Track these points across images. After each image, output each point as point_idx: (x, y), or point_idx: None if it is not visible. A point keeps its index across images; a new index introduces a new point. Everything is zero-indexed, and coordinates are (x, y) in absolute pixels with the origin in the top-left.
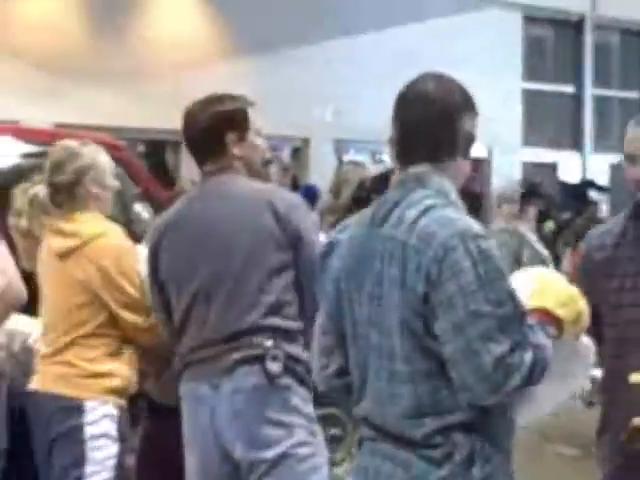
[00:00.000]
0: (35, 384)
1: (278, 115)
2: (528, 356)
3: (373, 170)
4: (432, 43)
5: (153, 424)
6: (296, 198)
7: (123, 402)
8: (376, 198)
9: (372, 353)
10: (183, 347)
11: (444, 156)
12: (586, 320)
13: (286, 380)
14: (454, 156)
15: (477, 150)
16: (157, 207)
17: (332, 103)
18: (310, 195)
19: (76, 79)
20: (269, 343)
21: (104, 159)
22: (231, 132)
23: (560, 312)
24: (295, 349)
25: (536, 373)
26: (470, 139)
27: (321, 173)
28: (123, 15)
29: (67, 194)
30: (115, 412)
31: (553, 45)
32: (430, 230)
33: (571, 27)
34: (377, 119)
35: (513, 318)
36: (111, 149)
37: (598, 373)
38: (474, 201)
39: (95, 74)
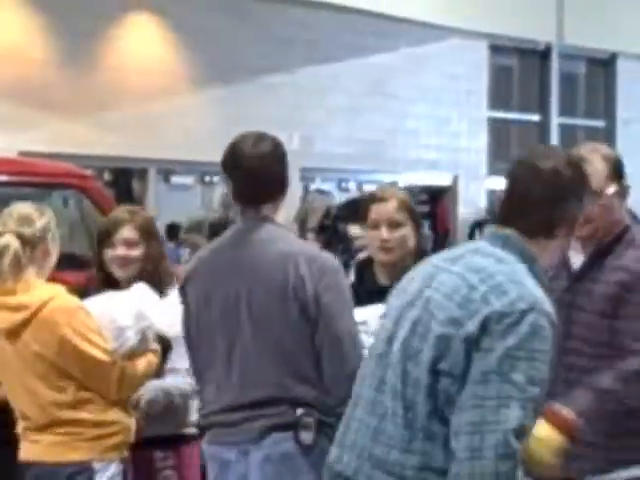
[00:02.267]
0: (32, 455)
1: None
2: None
3: (339, 199)
4: (399, 73)
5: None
6: (327, 261)
7: (126, 453)
8: (342, 226)
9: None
10: (204, 404)
11: None
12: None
13: (320, 448)
14: None
15: (441, 178)
16: None
17: (299, 131)
18: None
19: (42, 108)
20: (299, 411)
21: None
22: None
23: None
24: (325, 416)
25: None
26: None
27: (288, 201)
28: (89, 44)
29: (32, 248)
30: (120, 468)
31: (519, 74)
32: None
33: (537, 56)
34: (344, 147)
35: None
36: (77, 178)
37: None
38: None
39: (61, 103)
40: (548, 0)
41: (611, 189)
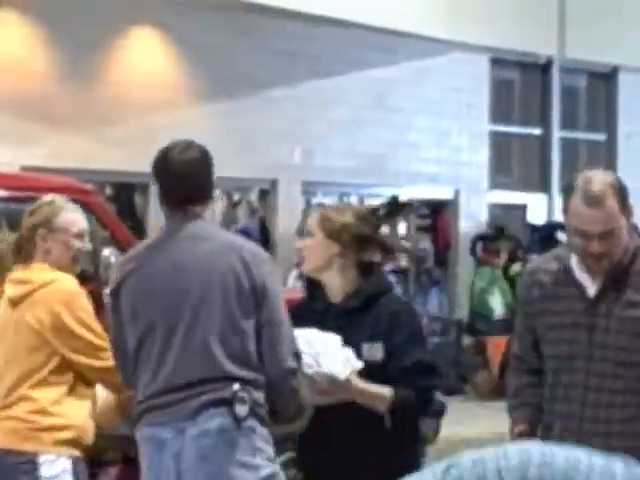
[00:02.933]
0: None
1: (246, 156)
2: None
3: None
4: (400, 86)
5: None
6: (263, 252)
7: (78, 453)
8: None
9: None
10: (140, 392)
11: None
12: None
13: (251, 422)
14: None
15: (442, 192)
16: (125, 251)
17: (301, 145)
18: (245, 236)
19: (44, 122)
20: (236, 387)
21: (66, 217)
22: None
23: None
24: (258, 395)
25: None
26: None
27: (289, 215)
28: (91, 58)
29: (22, 246)
30: (70, 465)
31: (520, 87)
32: None
33: (538, 70)
34: (346, 161)
35: None
36: (79, 193)
37: None
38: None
39: (63, 117)
40: (549, 14)
41: (623, 222)
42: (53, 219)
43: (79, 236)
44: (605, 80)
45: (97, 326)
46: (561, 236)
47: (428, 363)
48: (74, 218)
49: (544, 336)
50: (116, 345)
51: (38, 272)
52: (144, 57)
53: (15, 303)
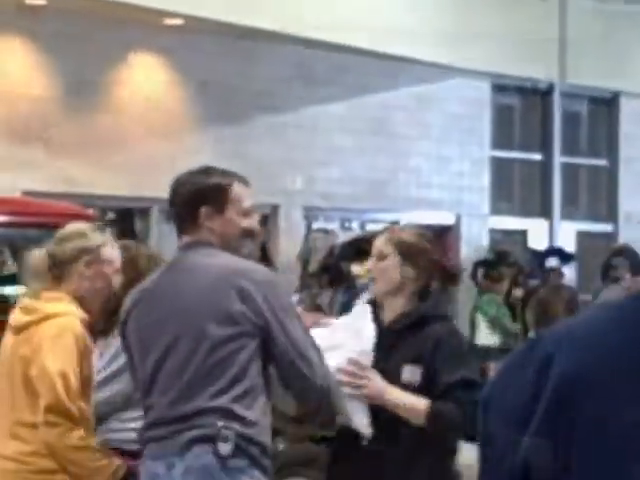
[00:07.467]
0: None
1: None
2: None
3: (342, 238)
4: (401, 112)
5: None
6: (268, 276)
7: None
8: (345, 265)
9: None
10: (143, 423)
11: None
12: None
13: (238, 461)
14: None
15: (443, 217)
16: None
17: (302, 170)
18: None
19: (45, 148)
20: (220, 423)
21: (112, 251)
22: (205, 206)
23: None
24: (249, 430)
25: None
26: None
27: (291, 240)
28: (93, 83)
29: (61, 267)
30: None
31: (521, 113)
32: None
33: (539, 95)
34: (347, 187)
35: None
36: (80, 218)
37: None
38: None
39: (64, 142)
40: (550, 39)
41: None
42: (102, 249)
43: (118, 273)
44: (606, 106)
45: (72, 370)
46: (553, 262)
47: (470, 379)
48: (117, 254)
49: None
50: (130, 370)
51: (49, 303)
52: (146, 83)
53: (17, 331)
